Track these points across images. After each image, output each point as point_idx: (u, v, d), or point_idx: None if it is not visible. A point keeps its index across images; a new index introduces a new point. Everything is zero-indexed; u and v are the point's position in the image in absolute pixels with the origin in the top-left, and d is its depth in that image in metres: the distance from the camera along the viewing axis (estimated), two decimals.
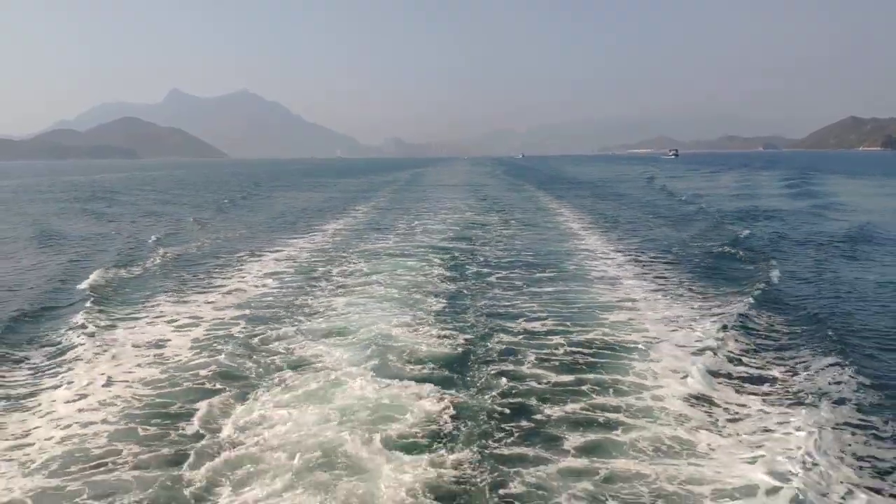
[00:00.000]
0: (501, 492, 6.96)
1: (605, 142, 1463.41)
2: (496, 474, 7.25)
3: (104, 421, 8.77)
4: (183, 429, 8.53)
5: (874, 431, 8.18)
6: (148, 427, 8.57)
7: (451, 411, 8.78)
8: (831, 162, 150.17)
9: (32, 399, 9.68)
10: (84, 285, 17.28)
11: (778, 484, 6.87)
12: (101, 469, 7.52)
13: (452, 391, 9.56)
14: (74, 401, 9.46)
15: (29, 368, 11.09)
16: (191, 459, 7.62)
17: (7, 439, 8.33)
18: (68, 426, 8.61)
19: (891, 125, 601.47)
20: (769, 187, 60.52)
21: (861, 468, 7.30)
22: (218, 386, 10.02)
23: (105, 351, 11.69)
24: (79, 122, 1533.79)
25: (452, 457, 7.59)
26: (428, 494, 6.83)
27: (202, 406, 9.20)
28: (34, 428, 8.69)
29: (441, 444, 7.91)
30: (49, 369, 10.97)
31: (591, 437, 8.18)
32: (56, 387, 10.10)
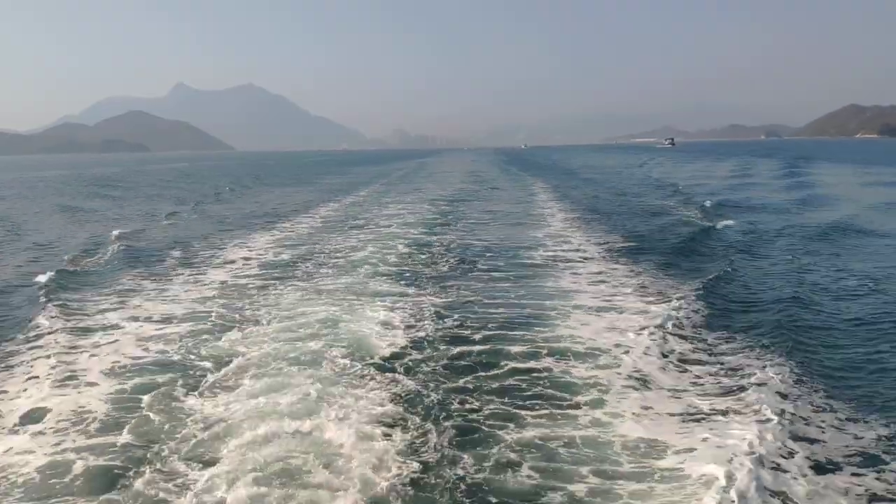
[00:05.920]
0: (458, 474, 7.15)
1: (612, 132, 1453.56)
2: (453, 462, 7.35)
3: (64, 417, 8.71)
4: (142, 427, 8.39)
5: (820, 421, 8.17)
6: (107, 425, 8.46)
7: (406, 402, 8.90)
8: (824, 150, 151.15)
9: None
10: (51, 273, 17.27)
11: (723, 470, 6.85)
12: (71, 464, 7.51)
13: (410, 371, 10.18)
14: (40, 397, 9.34)
15: None
16: (150, 454, 7.60)
17: None
18: (24, 426, 8.51)
19: (891, 112, 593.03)
20: (756, 176, 60.96)
21: (808, 457, 7.25)
22: (196, 379, 9.88)
23: (70, 344, 11.55)
24: (84, 117, 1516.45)
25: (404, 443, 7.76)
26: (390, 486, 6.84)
27: (164, 399, 9.13)
28: None
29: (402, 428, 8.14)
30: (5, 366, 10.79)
31: (544, 413, 8.50)
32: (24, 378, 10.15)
